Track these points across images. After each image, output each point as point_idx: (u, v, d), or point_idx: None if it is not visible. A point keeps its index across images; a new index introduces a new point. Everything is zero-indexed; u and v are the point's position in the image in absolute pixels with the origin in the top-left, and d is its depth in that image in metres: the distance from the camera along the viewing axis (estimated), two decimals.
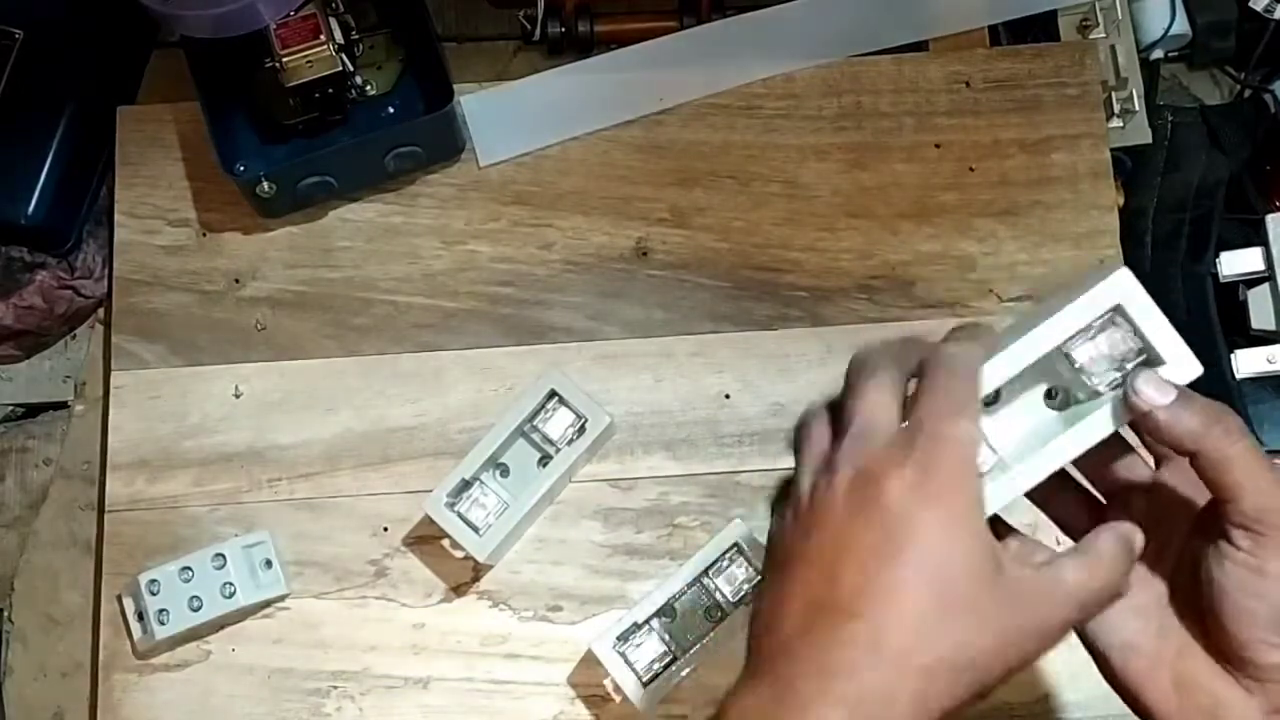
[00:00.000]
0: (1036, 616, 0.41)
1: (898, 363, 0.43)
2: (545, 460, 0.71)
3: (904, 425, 0.42)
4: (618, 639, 0.67)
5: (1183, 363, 0.44)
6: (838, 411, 0.44)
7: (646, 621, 0.67)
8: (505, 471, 0.71)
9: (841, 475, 0.41)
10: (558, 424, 0.70)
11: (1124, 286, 0.44)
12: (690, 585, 0.68)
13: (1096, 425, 0.44)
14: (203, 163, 0.76)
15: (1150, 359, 0.44)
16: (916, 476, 0.40)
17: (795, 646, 0.40)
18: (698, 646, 0.67)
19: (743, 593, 0.68)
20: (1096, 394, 0.45)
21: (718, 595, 0.68)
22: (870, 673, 0.39)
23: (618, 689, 0.68)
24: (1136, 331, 0.44)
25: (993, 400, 0.46)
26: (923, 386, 0.42)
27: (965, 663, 0.39)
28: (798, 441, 0.45)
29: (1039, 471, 0.44)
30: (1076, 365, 0.45)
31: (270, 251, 0.77)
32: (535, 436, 0.71)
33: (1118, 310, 0.44)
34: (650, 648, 0.67)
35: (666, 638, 0.67)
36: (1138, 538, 0.44)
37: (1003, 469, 0.44)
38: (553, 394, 0.70)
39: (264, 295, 0.76)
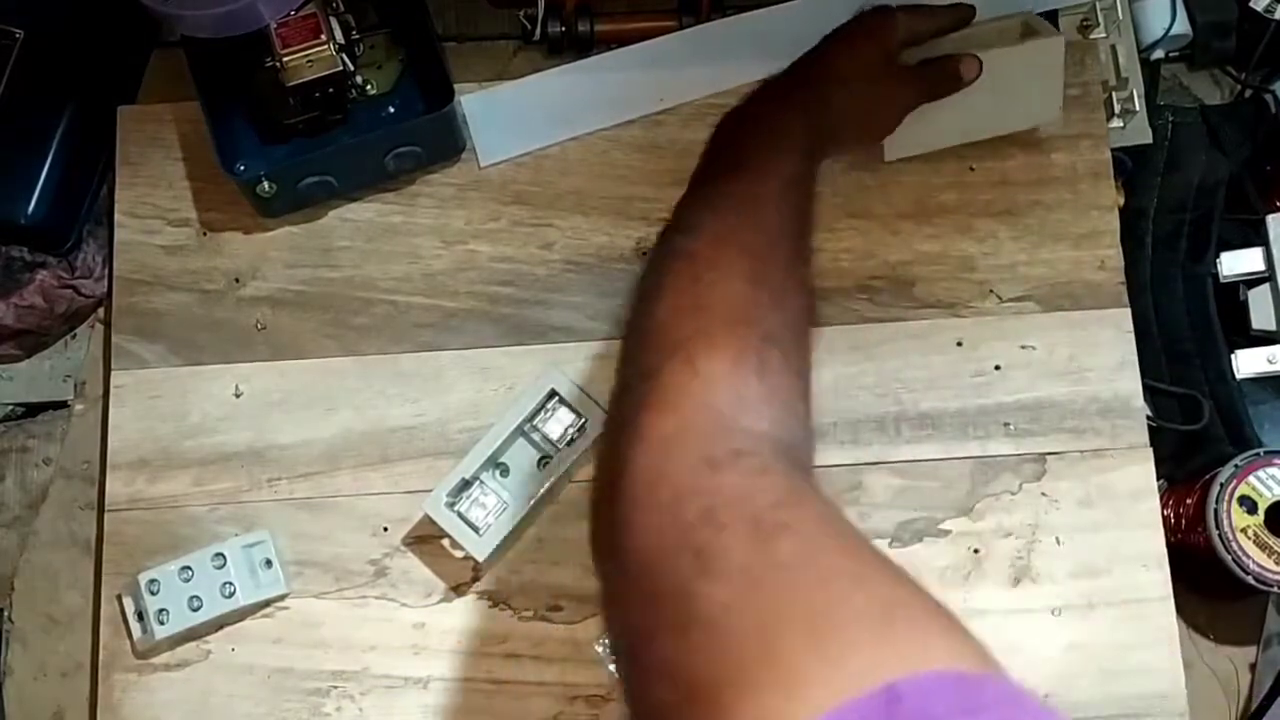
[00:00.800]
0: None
1: None
2: (545, 460, 0.71)
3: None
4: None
5: None
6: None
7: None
8: (505, 471, 0.71)
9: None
10: (558, 424, 0.70)
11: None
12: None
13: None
14: (203, 163, 0.76)
15: None
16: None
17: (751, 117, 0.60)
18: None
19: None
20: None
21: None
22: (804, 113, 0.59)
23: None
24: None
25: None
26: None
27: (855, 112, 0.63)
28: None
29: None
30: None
31: (270, 251, 0.77)
32: (535, 436, 0.71)
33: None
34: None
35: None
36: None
37: None
38: (553, 394, 0.70)
39: (264, 295, 0.76)
